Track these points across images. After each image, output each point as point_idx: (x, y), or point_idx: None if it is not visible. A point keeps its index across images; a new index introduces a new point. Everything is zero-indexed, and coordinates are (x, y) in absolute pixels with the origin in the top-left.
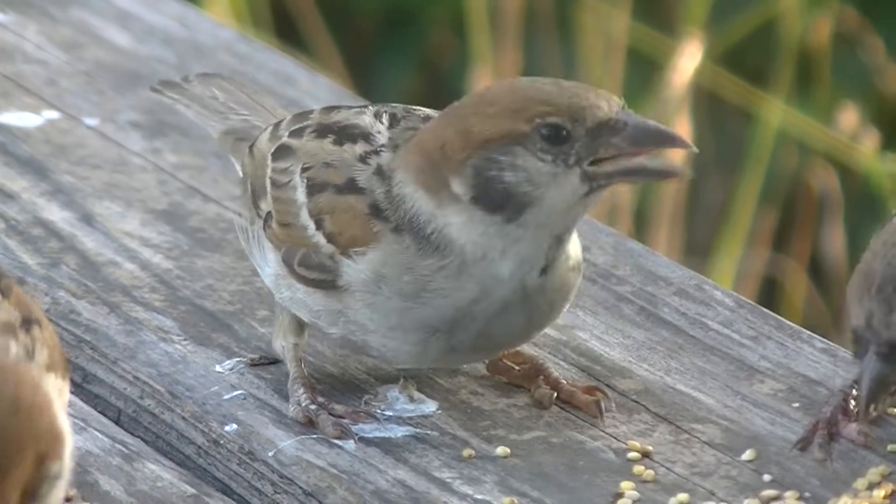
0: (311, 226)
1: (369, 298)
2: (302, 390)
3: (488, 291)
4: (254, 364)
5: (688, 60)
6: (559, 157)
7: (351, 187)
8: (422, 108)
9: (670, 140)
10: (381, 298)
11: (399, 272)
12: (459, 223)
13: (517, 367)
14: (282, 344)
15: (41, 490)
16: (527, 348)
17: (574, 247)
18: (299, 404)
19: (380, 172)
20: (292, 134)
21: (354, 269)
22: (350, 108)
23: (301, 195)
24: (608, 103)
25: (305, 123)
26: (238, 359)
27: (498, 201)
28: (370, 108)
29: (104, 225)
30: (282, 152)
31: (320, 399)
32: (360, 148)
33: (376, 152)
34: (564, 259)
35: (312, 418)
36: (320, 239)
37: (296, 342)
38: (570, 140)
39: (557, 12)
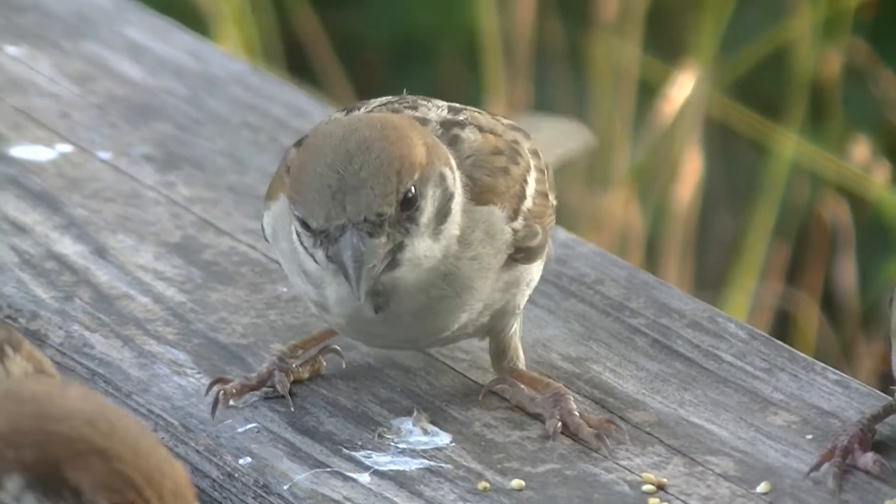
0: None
1: (274, 249)
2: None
3: (326, 300)
4: (267, 397)
5: (696, 91)
6: (309, 239)
7: (296, 144)
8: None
9: (348, 282)
10: (278, 253)
11: (282, 233)
12: (306, 258)
13: (538, 396)
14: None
15: None
16: (550, 380)
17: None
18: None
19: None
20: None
21: (266, 223)
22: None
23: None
24: (329, 214)
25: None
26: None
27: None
28: (448, 108)
29: (117, 258)
30: None
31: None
32: (335, 114)
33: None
34: (414, 289)
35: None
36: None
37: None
38: (307, 230)
39: (568, 44)
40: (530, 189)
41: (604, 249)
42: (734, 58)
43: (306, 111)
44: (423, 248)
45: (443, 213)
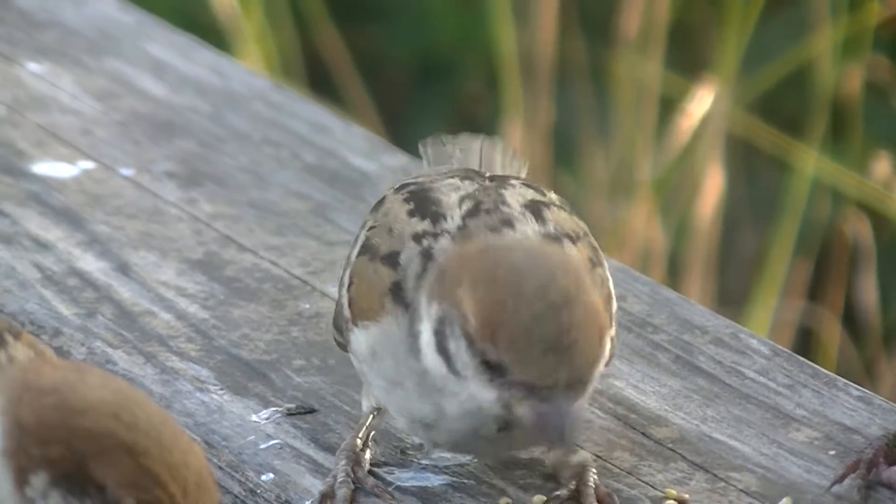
0: (346, 285)
1: (366, 369)
2: (344, 462)
3: (444, 417)
4: (290, 413)
5: (718, 107)
6: (485, 373)
7: (389, 260)
8: (538, 192)
9: (554, 438)
10: (373, 374)
11: (386, 354)
12: (435, 363)
13: (569, 464)
14: (365, 404)
15: None
16: (581, 451)
17: None
18: (335, 477)
19: (427, 255)
20: (398, 188)
21: (356, 340)
22: (455, 174)
23: (354, 252)
24: (543, 372)
25: (415, 179)
26: (274, 408)
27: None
28: (466, 183)
29: (140, 275)
30: (377, 204)
31: (360, 473)
32: (424, 226)
33: (435, 235)
34: None
35: (331, 492)
36: (344, 301)
37: (377, 406)
38: (491, 369)
39: (590, 62)
40: (612, 287)
41: (626, 265)
42: (756, 75)
43: (328, 127)
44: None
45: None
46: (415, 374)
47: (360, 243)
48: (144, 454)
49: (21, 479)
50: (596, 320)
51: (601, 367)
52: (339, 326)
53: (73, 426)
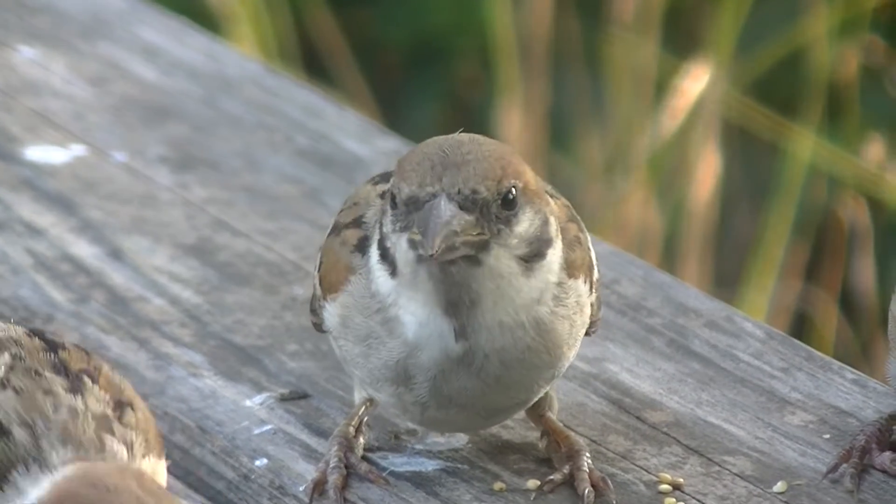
0: (317, 266)
1: (342, 343)
2: (336, 448)
3: (412, 352)
4: (284, 399)
5: (713, 90)
6: (395, 221)
7: (355, 223)
8: None
9: (422, 242)
10: (348, 344)
11: (355, 312)
12: (382, 278)
13: (563, 449)
14: (357, 396)
15: None
16: (575, 436)
17: (532, 311)
18: (327, 462)
19: (384, 195)
20: (370, 179)
21: (328, 315)
22: None
23: (325, 236)
24: (424, 181)
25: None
26: (268, 393)
27: (388, 260)
28: None
29: (133, 260)
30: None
31: (352, 458)
32: (387, 185)
33: None
34: (498, 323)
35: (323, 478)
36: (315, 281)
37: (368, 397)
38: (396, 207)
39: (585, 44)
40: (594, 256)
41: (621, 249)
42: (751, 57)
43: (322, 111)
44: (508, 266)
45: (537, 251)
46: (378, 315)
47: (329, 227)
48: None
49: None
50: (501, 157)
51: (499, 187)
52: (314, 308)
53: None
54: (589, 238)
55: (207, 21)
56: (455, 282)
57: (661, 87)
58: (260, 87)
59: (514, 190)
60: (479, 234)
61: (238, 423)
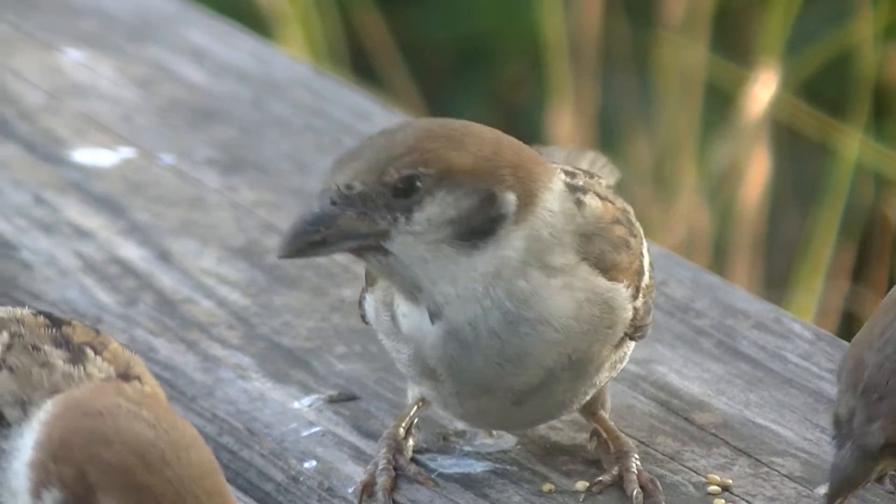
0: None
1: (380, 337)
2: (385, 450)
3: (416, 343)
4: (332, 401)
5: (763, 91)
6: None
7: None
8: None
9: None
10: (384, 337)
11: (382, 307)
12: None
13: (612, 450)
14: (410, 395)
15: None
16: (624, 436)
17: (515, 291)
18: (376, 464)
19: None
20: None
21: (368, 306)
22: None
23: None
24: (324, 178)
25: None
26: (316, 395)
27: None
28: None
29: (181, 262)
30: None
31: (401, 460)
32: None
33: None
34: (456, 297)
35: (372, 480)
36: (362, 274)
37: (421, 396)
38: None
39: (634, 47)
40: (646, 262)
41: (669, 251)
42: (800, 59)
43: (370, 114)
44: (427, 249)
45: (473, 229)
46: (390, 310)
47: None
48: (156, 499)
49: (36, 493)
50: (404, 146)
51: (382, 178)
52: (360, 299)
53: (94, 454)
54: (645, 245)
55: (255, 23)
56: (389, 272)
57: (710, 89)
58: (308, 89)
59: (417, 181)
60: (370, 225)
61: (287, 425)
